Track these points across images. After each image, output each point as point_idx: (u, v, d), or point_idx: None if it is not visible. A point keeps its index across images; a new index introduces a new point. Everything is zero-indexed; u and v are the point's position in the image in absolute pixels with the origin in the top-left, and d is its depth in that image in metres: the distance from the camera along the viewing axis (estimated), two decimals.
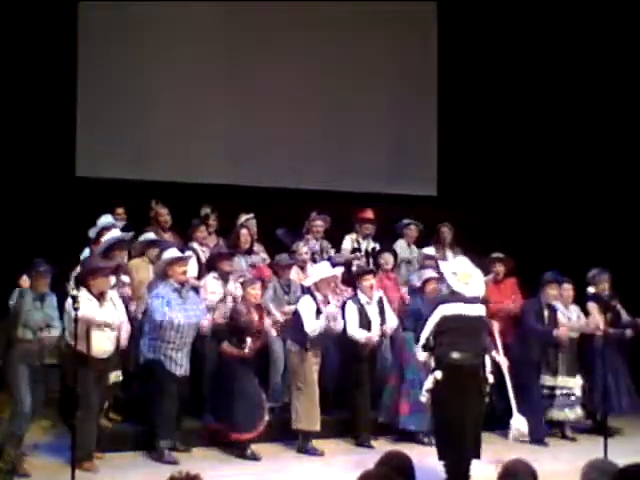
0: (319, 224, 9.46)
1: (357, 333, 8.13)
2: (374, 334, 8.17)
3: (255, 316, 7.77)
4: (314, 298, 7.91)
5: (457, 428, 6.52)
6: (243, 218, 9.33)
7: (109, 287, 7.27)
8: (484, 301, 7.00)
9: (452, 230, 9.96)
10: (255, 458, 7.59)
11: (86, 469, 6.76)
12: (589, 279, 8.99)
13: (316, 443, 7.95)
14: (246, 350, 7.62)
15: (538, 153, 11.85)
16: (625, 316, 9.09)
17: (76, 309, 6.26)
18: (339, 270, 8.33)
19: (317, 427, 7.92)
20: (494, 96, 12.01)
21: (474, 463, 6.61)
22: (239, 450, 7.64)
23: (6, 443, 6.76)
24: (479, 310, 6.78)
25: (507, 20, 11.98)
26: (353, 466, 6.73)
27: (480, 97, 12.07)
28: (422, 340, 6.75)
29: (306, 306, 7.88)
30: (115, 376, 7.36)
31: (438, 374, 6.58)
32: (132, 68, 10.78)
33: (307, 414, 7.89)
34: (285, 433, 8.05)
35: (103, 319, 7.00)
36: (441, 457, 6.70)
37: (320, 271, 8.05)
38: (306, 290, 8.07)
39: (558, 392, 8.61)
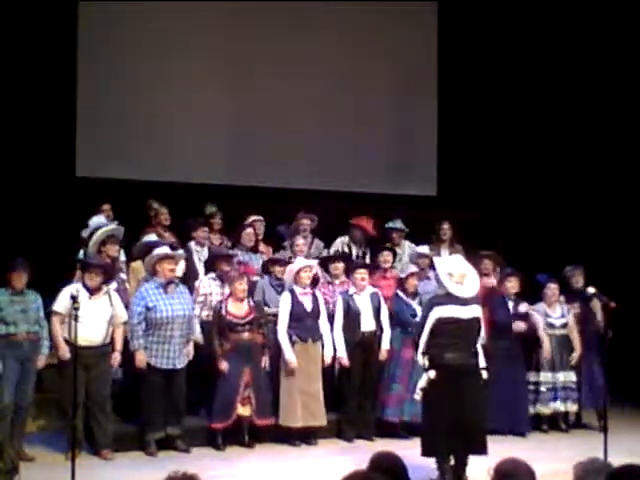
0: (305, 222, 9.55)
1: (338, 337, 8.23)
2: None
3: (243, 310, 7.86)
4: (293, 292, 8.07)
5: (449, 428, 6.51)
6: (251, 219, 9.37)
7: (101, 282, 7.35)
8: (479, 301, 7.00)
9: (452, 228, 9.99)
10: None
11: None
12: (564, 275, 9.19)
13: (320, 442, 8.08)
14: (227, 346, 7.74)
15: (537, 153, 11.85)
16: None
17: (76, 309, 6.29)
18: (313, 262, 8.50)
19: (297, 423, 7.98)
20: (494, 96, 12.00)
21: (471, 464, 6.61)
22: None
23: (5, 443, 6.76)
24: (474, 311, 6.75)
25: (507, 20, 11.98)
26: (353, 466, 6.70)
27: (480, 97, 12.07)
28: (421, 346, 6.70)
29: (282, 303, 8.08)
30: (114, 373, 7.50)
31: (432, 373, 6.58)
32: (132, 68, 10.79)
33: (285, 410, 7.99)
34: (285, 432, 8.07)
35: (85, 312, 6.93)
36: (425, 454, 6.68)
37: (294, 265, 8.24)
38: (288, 286, 8.22)
39: (544, 387, 8.81)
